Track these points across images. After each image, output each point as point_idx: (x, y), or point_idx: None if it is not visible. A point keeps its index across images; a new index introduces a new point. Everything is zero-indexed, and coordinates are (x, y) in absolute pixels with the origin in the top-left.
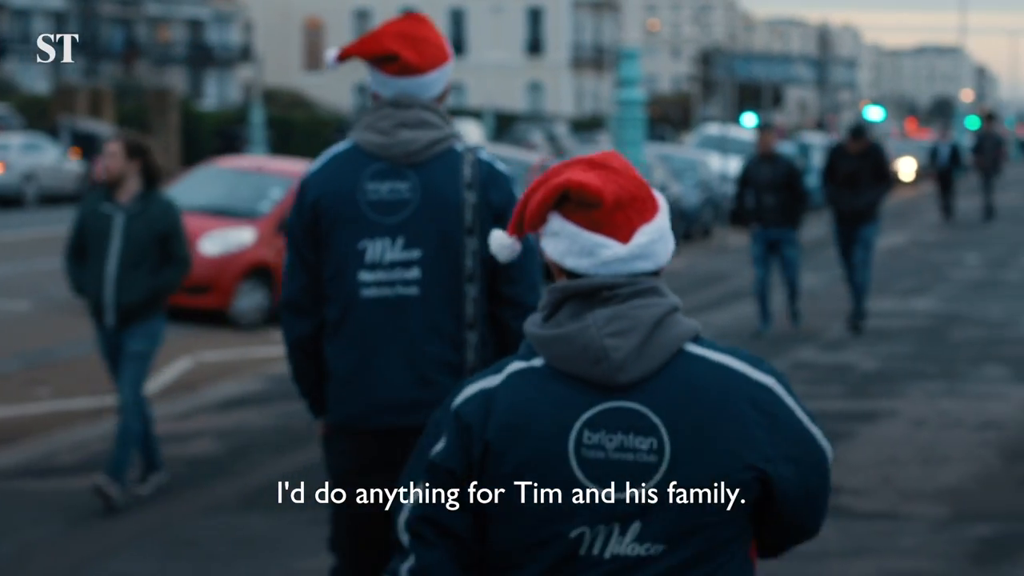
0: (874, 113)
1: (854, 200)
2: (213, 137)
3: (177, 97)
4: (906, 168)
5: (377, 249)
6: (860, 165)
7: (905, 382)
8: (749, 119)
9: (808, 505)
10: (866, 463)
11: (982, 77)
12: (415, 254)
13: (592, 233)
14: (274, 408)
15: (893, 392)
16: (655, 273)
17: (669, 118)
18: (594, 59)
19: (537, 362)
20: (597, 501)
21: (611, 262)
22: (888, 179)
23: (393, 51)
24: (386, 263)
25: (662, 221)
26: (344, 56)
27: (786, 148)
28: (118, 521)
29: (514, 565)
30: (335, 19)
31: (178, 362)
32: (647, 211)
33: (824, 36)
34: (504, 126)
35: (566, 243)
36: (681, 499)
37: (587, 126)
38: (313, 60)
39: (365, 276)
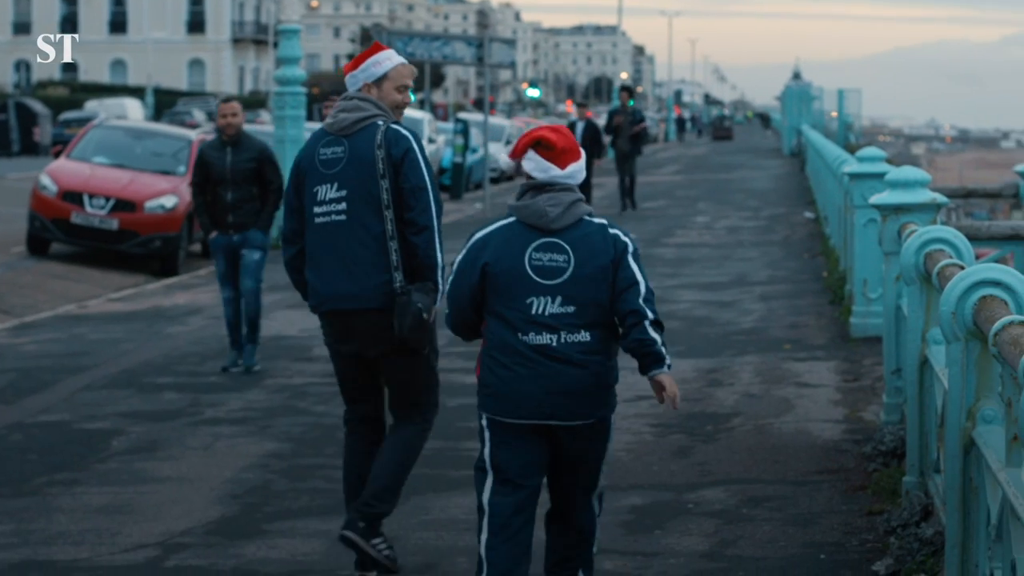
0: (532, 93)
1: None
2: None
3: None
4: None
5: (323, 190)
6: (237, 160)
7: None
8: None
9: (626, 292)
10: None
11: (640, 57)
12: (343, 193)
13: (547, 162)
14: None
15: None
16: (576, 185)
17: (331, 96)
18: (255, 37)
19: (512, 219)
20: (539, 285)
21: (554, 176)
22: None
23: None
24: (327, 200)
25: (581, 163)
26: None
27: (446, 127)
28: None
29: (504, 318)
30: None
31: None
32: (575, 157)
33: (483, 15)
34: (165, 104)
35: (534, 164)
36: (578, 284)
37: (248, 104)
38: None
39: (316, 209)
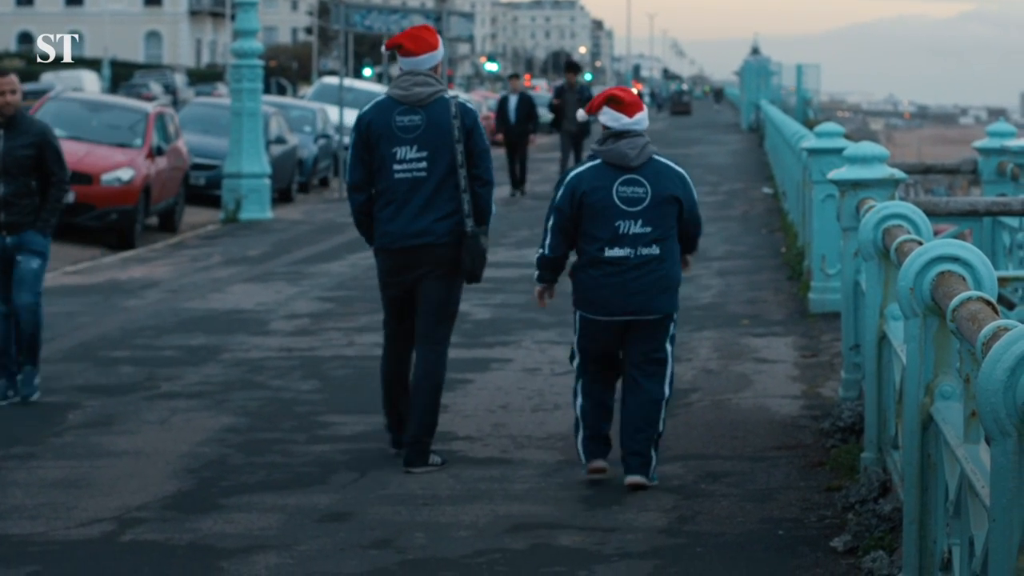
0: (490, 67)
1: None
2: None
3: None
4: None
5: (403, 151)
6: (11, 146)
7: (518, 331)
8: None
9: (690, 223)
10: (479, 410)
11: (599, 31)
12: (424, 154)
13: (618, 113)
14: None
15: (506, 340)
16: (644, 131)
17: (288, 69)
18: (213, 10)
19: (598, 160)
20: (625, 211)
21: (625, 124)
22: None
23: (399, 43)
24: (408, 159)
25: (645, 113)
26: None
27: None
28: None
29: (596, 238)
30: None
31: None
32: (639, 108)
33: None
34: (122, 76)
35: (608, 117)
36: (654, 209)
37: (205, 77)
38: None
39: (397, 167)
